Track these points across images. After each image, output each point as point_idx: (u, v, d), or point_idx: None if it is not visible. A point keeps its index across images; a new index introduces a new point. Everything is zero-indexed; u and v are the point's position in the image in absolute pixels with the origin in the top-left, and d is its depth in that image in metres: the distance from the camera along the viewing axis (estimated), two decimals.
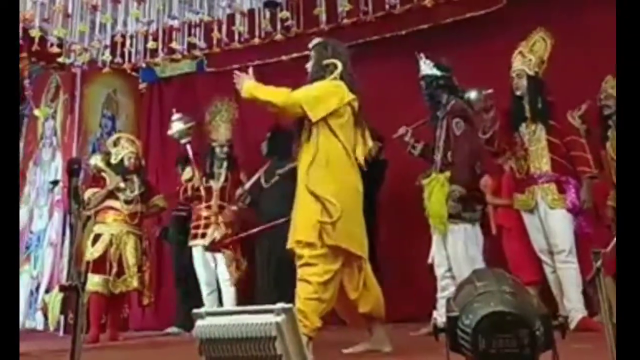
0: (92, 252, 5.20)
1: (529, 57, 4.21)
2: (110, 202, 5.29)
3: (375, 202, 4.91)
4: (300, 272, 3.06)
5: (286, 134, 4.17)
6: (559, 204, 4.01)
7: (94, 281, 5.05)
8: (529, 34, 4.28)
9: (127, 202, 5.32)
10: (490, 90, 4.42)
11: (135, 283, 5.22)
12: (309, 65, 3.50)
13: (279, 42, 5.46)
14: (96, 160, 5.52)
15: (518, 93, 4.18)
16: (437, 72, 4.20)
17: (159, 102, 7.08)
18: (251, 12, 5.54)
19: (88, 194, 5.32)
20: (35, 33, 5.27)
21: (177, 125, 5.32)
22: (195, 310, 2.17)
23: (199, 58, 6.39)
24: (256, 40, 5.39)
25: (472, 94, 4.40)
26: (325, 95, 3.26)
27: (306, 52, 5.96)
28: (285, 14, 5.29)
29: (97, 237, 5.26)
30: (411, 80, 4.79)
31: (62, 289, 4.72)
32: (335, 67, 3.37)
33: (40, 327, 6.11)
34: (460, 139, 4.00)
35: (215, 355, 2.04)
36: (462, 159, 3.99)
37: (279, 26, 5.40)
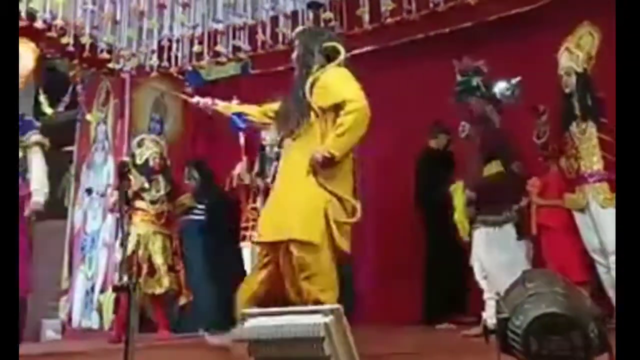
0: (122, 253, 5.27)
1: (576, 53, 4.10)
2: (136, 203, 5.31)
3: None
4: None
5: None
6: (611, 203, 3.91)
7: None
8: (575, 29, 4.19)
9: (152, 202, 5.35)
10: (518, 78, 4.33)
11: (167, 283, 5.24)
12: (294, 56, 3.28)
13: None
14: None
15: (567, 91, 4.08)
16: (460, 78, 4.27)
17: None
18: (294, 13, 5.56)
19: (115, 196, 5.41)
20: (85, 40, 5.42)
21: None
22: (244, 311, 2.20)
23: (243, 60, 6.44)
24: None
25: (499, 86, 4.33)
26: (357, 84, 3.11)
27: (354, 52, 6.03)
28: (329, 14, 5.29)
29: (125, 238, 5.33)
30: (455, 78, 4.75)
31: (115, 289, 4.90)
32: (338, 52, 3.19)
33: (95, 326, 6.27)
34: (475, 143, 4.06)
35: (264, 355, 2.06)
36: (472, 164, 4.06)
37: (322, 26, 5.40)
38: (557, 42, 4.21)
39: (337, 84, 3.09)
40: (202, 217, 5.87)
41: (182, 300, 5.49)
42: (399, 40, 5.80)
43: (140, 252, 5.22)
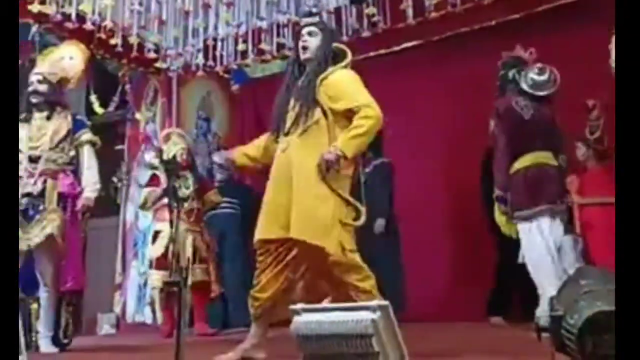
0: (154, 250, 5.35)
1: None
2: (167, 200, 5.38)
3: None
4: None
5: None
6: None
7: (157, 278, 5.23)
8: None
9: (182, 199, 5.34)
10: (547, 68, 4.18)
11: (198, 276, 5.26)
12: (312, 44, 3.14)
13: (366, 39, 5.45)
14: (151, 158, 5.63)
15: None
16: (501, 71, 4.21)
17: (252, 102, 7.23)
18: (337, 10, 5.56)
19: (144, 193, 5.48)
20: (133, 40, 5.53)
21: None
22: (292, 307, 2.21)
23: (288, 57, 6.46)
24: (343, 38, 5.39)
25: (528, 76, 4.19)
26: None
27: (395, 48, 5.98)
28: (372, 10, 5.28)
29: (156, 234, 5.40)
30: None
31: (166, 284, 4.99)
32: (345, 55, 3.15)
33: (149, 321, 6.41)
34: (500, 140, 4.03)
35: (314, 351, 2.07)
36: (498, 161, 4.04)
37: (365, 23, 5.39)
38: (607, 33, 4.10)
39: (350, 87, 3.05)
40: (231, 211, 5.97)
41: (215, 292, 5.48)
42: (444, 34, 5.74)
43: (172, 248, 5.27)
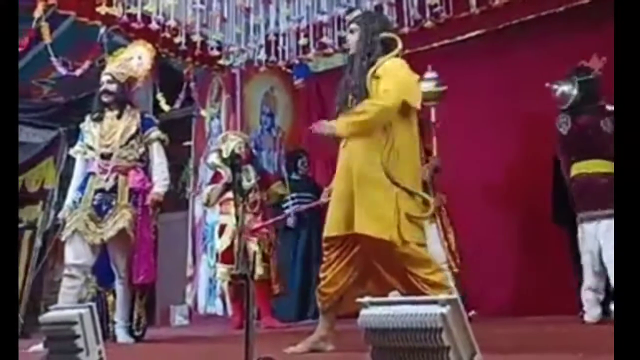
0: (220, 244, 5.44)
1: None
2: (230, 194, 5.45)
3: None
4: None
5: None
6: None
7: (223, 271, 5.31)
8: None
9: (247, 192, 5.48)
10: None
11: (261, 271, 5.33)
12: (352, 41, 3.16)
13: (429, 30, 5.37)
14: (212, 158, 5.74)
15: None
16: (575, 92, 4.21)
17: (316, 96, 7.23)
18: (399, 1, 5.50)
19: (207, 190, 5.57)
20: (196, 38, 5.65)
21: (427, 86, 4.71)
22: (359, 300, 2.21)
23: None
24: (405, 29, 5.34)
25: (557, 87, 4.35)
26: (412, 78, 3.04)
27: (459, 38, 5.88)
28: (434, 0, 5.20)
29: (222, 228, 5.49)
30: (570, 60, 4.53)
31: (233, 277, 5.08)
32: (396, 44, 3.06)
33: (220, 312, 6.57)
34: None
35: (382, 344, 2.07)
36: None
37: (427, 13, 5.31)
38: None
39: (389, 74, 2.98)
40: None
41: (276, 290, 5.56)
42: (509, 22, 5.60)
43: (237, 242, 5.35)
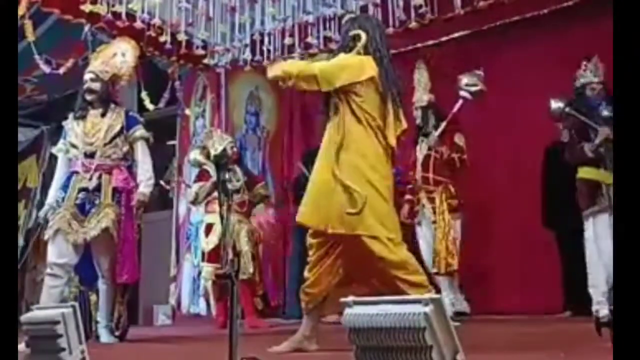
0: (207, 243, 5.43)
1: None
2: (216, 194, 5.46)
3: None
4: None
5: None
6: None
7: (209, 270, 5.31)
8: None
9: (234, 192, 5.45)
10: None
11: (251, 269, 5.36)
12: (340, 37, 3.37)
13: (414, 30, 5.39)
14: (195, 155, 5.72)
15: None
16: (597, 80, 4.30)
17: (300, 96, 7.23)
18: (384, 1, 5.51)
19: (195, 188, 5.55)
20: (181, 37, 5.63)
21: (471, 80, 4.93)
22: (342, 299, 2.22)
23: (334, 51, 6.44)
24: (390, 30, 5.35)
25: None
26: (340, 67, 3.07)
27: (443, 38, 5.90)
28: (419, 0, 5.21)
29: (209, 227, 5.47)
30: (551, 63, 4.57)
31: (218, 277, 5.07)
32: (359, 38, 3.15)
33: (203, 312, 6.56)
34: None
35: (365, 344, 2.07)
36: None
37: (413, 14, 5.33)
38: None
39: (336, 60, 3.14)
40: None
41: (260, 291, 5.63)
42: (494, 23, 5.65)
43: (227, 240, 5.34)
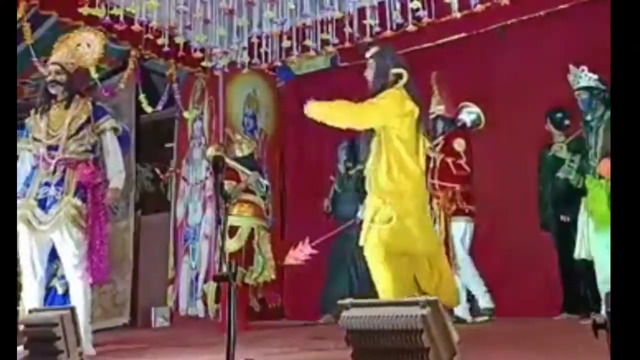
0: (231, 244, 5.38)
1: None
2: (246, 196, 5.45)
3: None
4: None
5: None
6: None
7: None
8: None
9: (262, 197, 5.49)
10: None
11: (273, 275, 5.39)
12: (369, 75, 3.53)
13: (411, 33, 5.41)
14: (212, 151, 5.67)
15: None
16: (602, 86, 4.26)
17: (297, 99, 7.23)
18: (381, 4, 5.53)
19: (229, 187, 5.51)
20: (179, 40, 5.64)
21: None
22: (340, 302, 2.23)
23: (332, 54, 6.48)
24: (388, 33, 5.38)
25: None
26: (386, 107, 3.31)
27: (440, 41, 5.92)
28: (416, 3, 5.22)
29: (233, 229, 5.39)
30: (546, 64, 4.57)
31: (216, 279, 5.05)
32: (401, 77, 3.42)
33: (201, 314, 6.55)
34: None
35: (362, 346, 2.09)
36: None
37: (410, 17, 5.35)
38: None
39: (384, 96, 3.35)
40: None
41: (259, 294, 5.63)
42: (490, 26, 5.65)
43: (248, 243, 5.35)
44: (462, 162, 4.97)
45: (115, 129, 4.32)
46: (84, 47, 4.43)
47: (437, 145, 5.08)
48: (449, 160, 4.98)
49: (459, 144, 5.03)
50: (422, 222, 3.31)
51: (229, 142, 5.84)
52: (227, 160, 5.51)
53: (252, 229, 5.42)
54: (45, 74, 4.41)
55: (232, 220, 5.43)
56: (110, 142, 4.27)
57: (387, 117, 3.28)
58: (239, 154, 5.58)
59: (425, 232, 3.31)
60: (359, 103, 3.33)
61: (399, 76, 3.44)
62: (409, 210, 3.20)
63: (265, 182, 5.58)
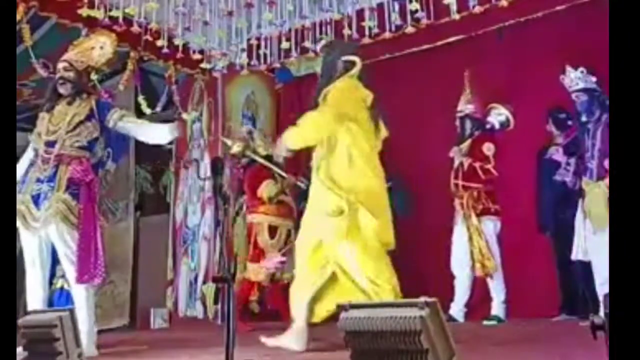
0: (272, 244, 5.39)
1: None
2: (282, 197, 5.49)
3: None
4: None
5: None
6: None
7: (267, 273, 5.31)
8: None
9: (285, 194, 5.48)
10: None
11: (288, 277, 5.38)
12: (318, 68, 3.66)
13: (410, 35, 5.42)
14: (237, 148, 5.66)
15: None
16: (597, 88, 4.31)
17: (296, 100, 7.23)
18: (380, 6, 5.54)
19: (271, 186, 5.41)
20: (178, 42, 5.64)
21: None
22: (338, 303, 2.23)
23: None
24: (387, 34, 5.40)
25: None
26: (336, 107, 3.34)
27: (439, 43, 5.93)
28: (415, 5, 5.23)
29: (272, 229, 5.42)
30: (548, 66, 4.58)
31: (215, 280, 5.06)
32: (354, 64, 3.47)
33: (200, 315, 6.55)
34: None
35: (361, 347, 2.09)
36: None
37: (409, 18, 5.36)
38: None
39: (332, 92, 3.36)
40: None
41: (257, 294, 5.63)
42: (489, 27, 5.66)
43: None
44: (490, 166, 5.00)
45: (125, 115, 4.29)
46: (97, 49, 4.41)
47: (463, 145, 5.13)
48: (477, 165, 5.02)
49: (489, 149, 5.06)
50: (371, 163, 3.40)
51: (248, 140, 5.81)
52: (257, 158, 5.52)
53: (289, 231, 5.42)
54: (44, 76, 4.39)
55: (271, 221, 5.47)
56: (129, 122, 4.27)
57: (341, 118, 3.32)
58: (263, 151, 5.56)
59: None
60: (308, 117, 3.37)
61: (351, 64, 3.49)
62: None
63: (303, 184, 5.50)
